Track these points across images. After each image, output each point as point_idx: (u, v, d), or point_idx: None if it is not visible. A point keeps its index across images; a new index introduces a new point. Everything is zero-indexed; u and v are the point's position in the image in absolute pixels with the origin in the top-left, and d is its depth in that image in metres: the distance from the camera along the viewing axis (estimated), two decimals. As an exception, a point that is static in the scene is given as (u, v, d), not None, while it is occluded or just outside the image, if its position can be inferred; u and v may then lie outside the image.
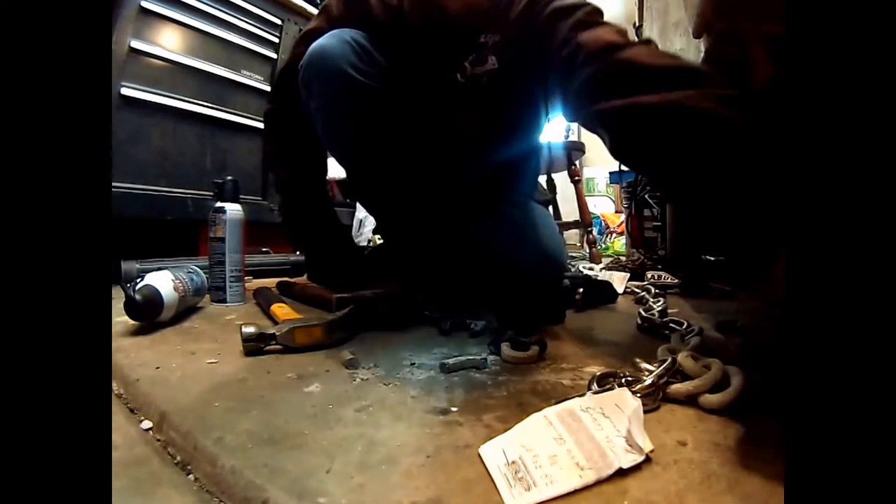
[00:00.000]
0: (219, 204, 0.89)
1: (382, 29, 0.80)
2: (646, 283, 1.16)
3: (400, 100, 0.83)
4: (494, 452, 0.33)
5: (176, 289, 0.70)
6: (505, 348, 0.57)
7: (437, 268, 0.93)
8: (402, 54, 0.81)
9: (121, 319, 0.66)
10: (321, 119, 0.82)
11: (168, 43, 1.29)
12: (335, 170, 1.93)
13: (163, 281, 0.69)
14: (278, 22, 1.62)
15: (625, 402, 0.36)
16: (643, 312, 0.75)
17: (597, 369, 0.49)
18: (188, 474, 0.34)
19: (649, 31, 1.20)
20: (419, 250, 0.98)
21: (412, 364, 0.54)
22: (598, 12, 0.66)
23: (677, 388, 0.42)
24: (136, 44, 1.20)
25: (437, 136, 0.87)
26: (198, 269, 0.83)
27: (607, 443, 0.32)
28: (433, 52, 0.80)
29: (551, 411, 0.36)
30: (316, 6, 1.82)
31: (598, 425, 0.34)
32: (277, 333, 0.57)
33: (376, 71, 0.79)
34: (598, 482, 0.30)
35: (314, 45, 0.79)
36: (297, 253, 1.42)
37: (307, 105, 0.83)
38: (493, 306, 0.75)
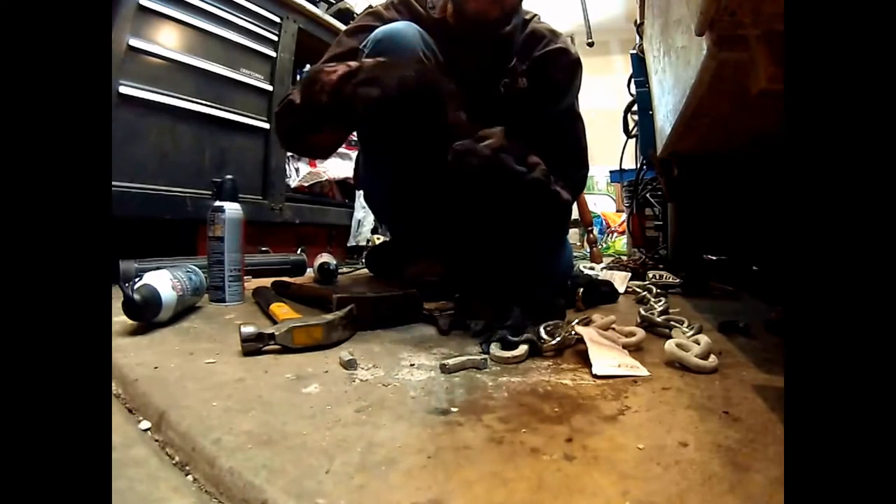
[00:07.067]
0: (217, 203, 0.88)
1: (431, 35, 0.89)
2: (647, 282, 1.16)
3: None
4: None
5: (174, 288, 0.70)
6: (494, 348, 0.57)
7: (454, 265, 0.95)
8: (449, 63, 0.91)
9: (119, 319, 0.66)
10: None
11: (167, 41, 1.29)
12: (335, 170, 1.93)
13: (161, 280, 0.69)
14: (277, 20, 1.62)
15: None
16: (643, 312, 0.75)
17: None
18: (187, 475, 0.34)
19: (650, 29, 1.20)
20: (431, 248, 0.99)
21: (412, 364, 0.54)
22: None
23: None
24: (134, 42, 1.19)
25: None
26: (196, 269, 0.82)
27: None
28: (475, 62, 0.91)
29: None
30: (315, 4, 1.82)
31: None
32: (276, 333, 0.57)
33: (436, 60, 0.88)
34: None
35: (382, 27, 0.86)
36: (299, 251, 1.42)
37: None
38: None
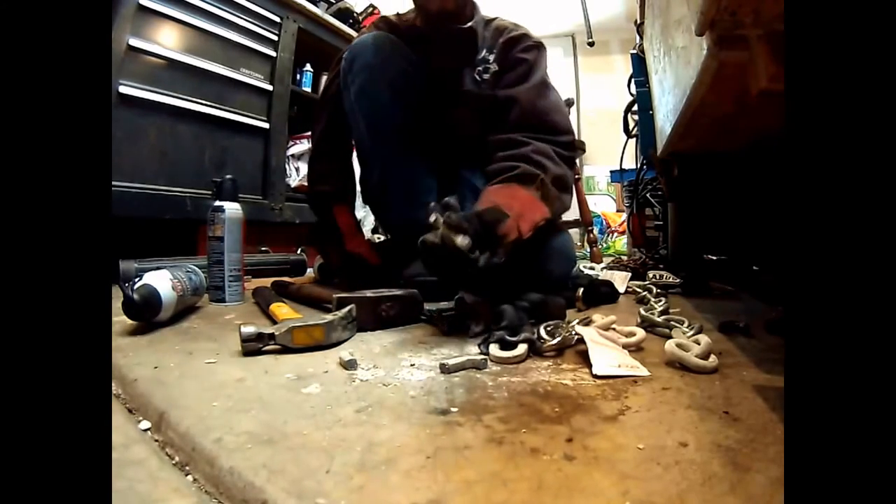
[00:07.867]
0: (217, 203, 0.89)
1: (407, 41, 1.02)
2: (647, 282, 1.16)
3: (421, 98, 1.02)
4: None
5: (174, 288, 0.70)
6: (493, 349, 0.57)
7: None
8: (425, 61, 1.02)
9: (119, 319, 0.66)
10: (356, 93, 0.99)
11: (166, 41, 1.29)
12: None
13: (161, 280, 0.69)
14: (277, 20, 1.62)
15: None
16: (643, 312, 0.75)
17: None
18: (187, 475, 0.34)
19: (651, 29, 1.20)
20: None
21: (412, 364, 0.54)
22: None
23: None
24: (134, 42, 1.19)
25: (444, 135, 1.04)
26: (196, 269, 0.82)
27: None
28: (449, 56, 1.03)
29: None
30: (315, 4, 1.82)
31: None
32: (276, 333, 0.57)
33: (407, 58, 1.00)
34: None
35: (356, 40, 1.02)
36: (298, 251, 1.42)
37: (344, 87, 1.01)
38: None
